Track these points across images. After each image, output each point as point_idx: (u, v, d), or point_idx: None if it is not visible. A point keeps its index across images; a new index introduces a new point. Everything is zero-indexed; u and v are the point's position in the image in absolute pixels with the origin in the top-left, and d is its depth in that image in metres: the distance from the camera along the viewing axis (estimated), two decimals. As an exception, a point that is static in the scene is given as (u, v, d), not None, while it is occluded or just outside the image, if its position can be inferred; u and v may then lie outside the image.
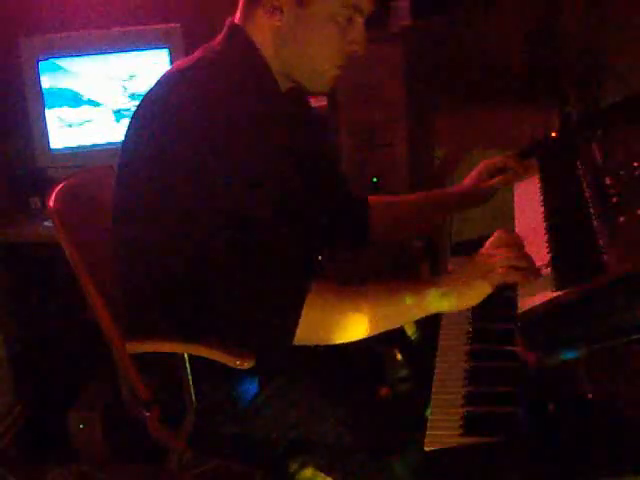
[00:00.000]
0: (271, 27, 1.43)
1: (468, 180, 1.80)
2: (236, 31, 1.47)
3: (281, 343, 1.33)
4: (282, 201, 1.42)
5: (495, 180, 1.78)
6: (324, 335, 1.33)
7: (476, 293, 1.29)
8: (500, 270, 1.28)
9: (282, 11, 1.41)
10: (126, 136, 1.45)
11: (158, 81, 1.44)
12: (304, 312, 1.30)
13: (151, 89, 1.44)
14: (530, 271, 1.29)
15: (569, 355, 1.04)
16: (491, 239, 1.36)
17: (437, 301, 1.30)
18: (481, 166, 1.80)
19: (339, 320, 1.32)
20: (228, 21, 1.49)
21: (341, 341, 1.34)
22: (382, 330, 1.34)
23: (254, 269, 1.33)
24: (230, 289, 1.35)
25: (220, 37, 1.49)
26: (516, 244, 1.35)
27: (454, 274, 1.35)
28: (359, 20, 1.44)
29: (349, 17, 1.42)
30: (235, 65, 1.44)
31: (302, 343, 1.33)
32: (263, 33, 1.44)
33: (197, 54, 1.46)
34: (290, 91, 1.53)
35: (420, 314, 1.32)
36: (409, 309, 1.31)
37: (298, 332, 1.30)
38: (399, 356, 1.68)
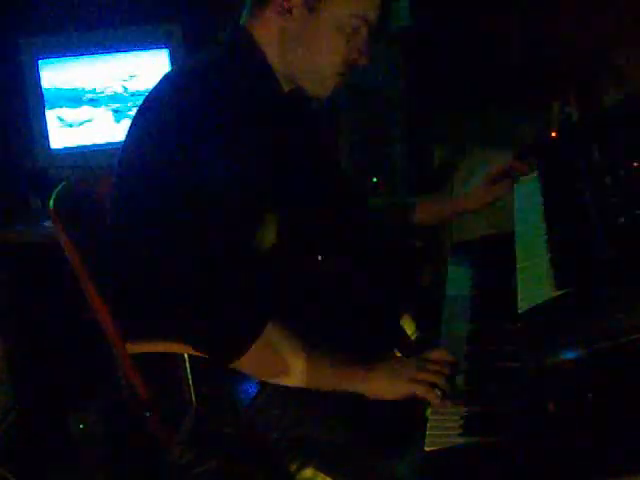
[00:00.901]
0: (278, 28, 1.43)
1: (472, 188, 1.81)
2: (240, 31, 1.47)
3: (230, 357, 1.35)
4: (282, 200, 1.42)
5: (497, 188, 1.78)
6: (264, 371, 1.38)
7: (393, 392, 1.31)
8: (420, 383, 1.29)
9: (291, 13, 1.41)
10: (127, 136, 1.45)
11: (160, 81, 1.45)
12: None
13: (153, 89, 1.44)
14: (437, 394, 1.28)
15: (569, 355, 1.04)
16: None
17: (357, 385, 1.34)
18: (485, 176, 1.81)
19: (280, 363, 1.35)
20: (232, 21, 1.49)
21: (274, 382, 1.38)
22: (307, 386, 1.37)
23: (255, 269, 1.33)
24: (230, 289, 1.35)
25: (224, 37, 1.49)
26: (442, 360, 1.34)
27: (380, 369, 1.35)
28: (365, 30, 1.44)
29: (356, 27, 1.43)
30: (238, 66, 1.44)
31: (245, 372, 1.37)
32: (269, 33, 1.44)
33: (200, 55, 1.46)
34: (292, 92, 1.53)
35: (347, 390, 1.35)
36: (334, 382, 1.36)
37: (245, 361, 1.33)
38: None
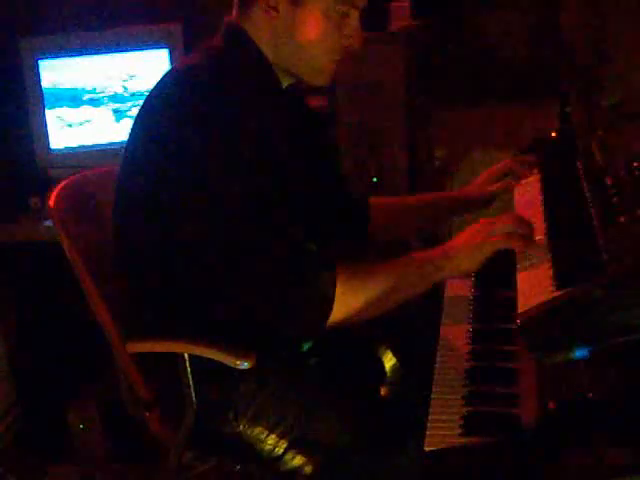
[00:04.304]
0: (267, 25, 1.44)
1: (471, 187, 1.81)
2: (235, 29, 1.47)
3: (313, 334, 1.41)
4: (282, 199, 1.42)
5: (498, 186, 1.78)
6: (359, 313, 1.38)
7: (476, 257, 1.39)
8: (499, 235, 1.38)
9: (277, 10, 1.41)
10: (130, 136, 1.46)
11: (160, 80, 1.45)
12: (339, 296, 1.35)
13: (154, 88, 1.44)
14: (528, 238, 1.38)
15: (569, 355, 1.04)
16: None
17: (447, 266, 1.40)
18: (485, 173, 1.81)
19: (371, 297, 1.38)
20: (226, 19, 1.50)
21: (373, 315, 1.41)
22: (403, 300, 1.41)
23: (256, 269, 1.33)
24: (232, 289, 1.35)
25: (219, 35, 1.49)
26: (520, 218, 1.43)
27: (457, 239, 1.43)
28: (354, 14, 1.44)
29: (344, 12, 1.43)
30: (237, 62, 1.45)
31: (339, 324, 1.38)
32: (260, 31, 1.45)
33: (198, 52, 1.46)
34: (290, 89, 1.53)
35: (436, 279, 1.42)
36: (427, 275, 1.41)
37: (336, 316, 1.36)
38: (398, 356, 1.68)
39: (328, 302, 1.35)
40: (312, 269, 1.36)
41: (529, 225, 1.42)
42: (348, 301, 1.37)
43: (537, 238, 1.39)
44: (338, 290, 1.35)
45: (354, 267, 1.40)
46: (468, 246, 1.40)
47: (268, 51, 1.46)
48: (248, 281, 1.36)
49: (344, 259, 1.40)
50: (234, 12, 1.48)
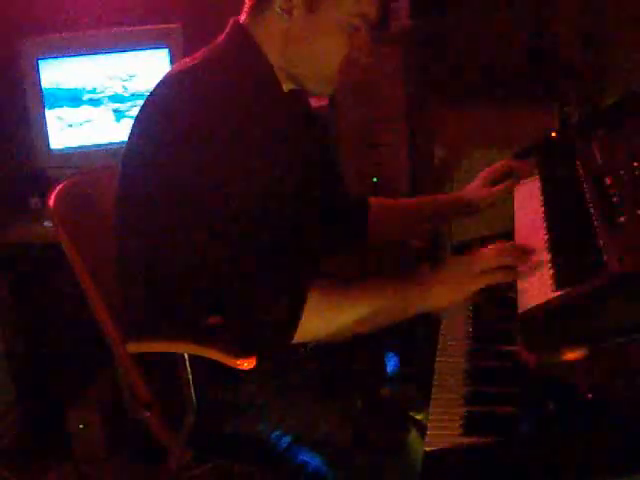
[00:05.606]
0: (279, 29, 1.43)
1: (471, 188, 1.80)
2: (240, 31, 1.47)
3: (280, 343, 1.35)
4: (281, 202, 1.42)
5: (499, 188, 1.77)
6: (325, 332, 1.36)
7: (459, 294, 1.35)
8: (490, 272, 1.33)
9: (291, 14, 1.41)
10: (129, 138, 1.46)
11: (160, 82, 1.45)
12: (307, 312, 1.31)
13: (153, 90, 1.44)
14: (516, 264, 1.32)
15: (570, 355, 1.04)
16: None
17: (428, 299, 1.36)
18: (483, 174, 1.80)
19: (340, 318, 1.35)
20: (232, 20, 1.49)
21: (342, 338, 1.37)
22: (378, 327, 1.38)
23: (253, 270, 1.33)
24: (229, 289, 1.36)
25: (223, 37, 1.49)
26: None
27: (445, 271, 1.38)
28: (365, 28, 1.44)
29: (356, 25, 1.43)
30: (238, 66, 1.45)
31: (304, 340, 1.36)
32: (270, 34, 1.45)
33: (199, 54, 1.46)
34: (291, 91, 1.53)
35: (414, 311, 1.37)
36: (406, 307, 1.36)
37: (301, 331, 1.32)
38: (398, 356, 1.69)
39: (294, 316, 1.32)
40: (286, 278, 1.35)
41: (517, 252, 1.35)
42: (327, 318, 1.35)
43: (533, 258, 1.33)
44: (315, 306, 1.33)
45: (332, 286, 1.37)
46: (450, 283, 1.36)
47: (274, 55, 1.46)
48: (241, 283, 1.36)
49: (326, 274, 1.38)
50: (244, 13, 1.48)
